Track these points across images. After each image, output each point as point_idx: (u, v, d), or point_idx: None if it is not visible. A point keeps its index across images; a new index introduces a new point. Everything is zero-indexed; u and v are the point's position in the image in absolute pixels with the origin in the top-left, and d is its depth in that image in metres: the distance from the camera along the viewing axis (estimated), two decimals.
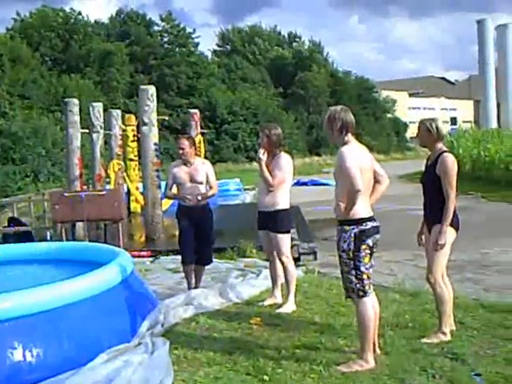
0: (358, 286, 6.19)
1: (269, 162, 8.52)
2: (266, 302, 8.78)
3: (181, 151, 9.23)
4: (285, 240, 8.56)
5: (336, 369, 6.10)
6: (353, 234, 6.13)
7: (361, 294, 6.20)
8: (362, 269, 6.16)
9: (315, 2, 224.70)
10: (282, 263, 8.64)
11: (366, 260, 6.18)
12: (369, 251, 6.20)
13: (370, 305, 6.26)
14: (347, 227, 6.15)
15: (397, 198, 23.53)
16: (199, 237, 9.39)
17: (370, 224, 6.19)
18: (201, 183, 9.27)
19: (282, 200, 8.51)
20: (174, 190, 9.49)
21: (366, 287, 6.20)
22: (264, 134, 8.55)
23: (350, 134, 6.33)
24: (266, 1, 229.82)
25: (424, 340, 6.86)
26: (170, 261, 12.32)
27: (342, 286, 6.39)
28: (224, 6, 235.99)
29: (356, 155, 6.17)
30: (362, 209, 6.16)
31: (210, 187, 9.38)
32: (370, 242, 6.18)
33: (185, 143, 9.25)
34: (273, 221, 8.48)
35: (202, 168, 9.33)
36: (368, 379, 5.88)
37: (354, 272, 6.17)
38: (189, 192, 9.20)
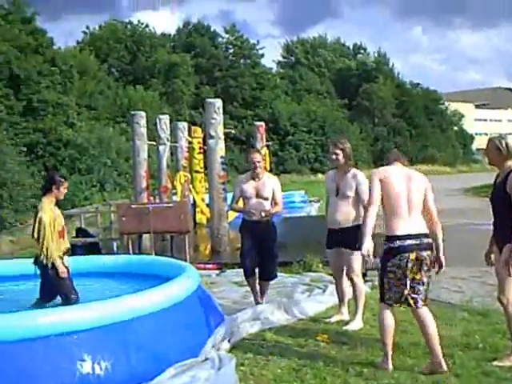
0: (380, 290, 6.78)
1: (340, 177, 8.44)
2: (333, 319, 8.71)
3: (256, 164, 9.20)
4: (358, 257, 8.44)
5: None
6: (384, 249, 6.66)
7: (380, 297, 6.77)
8: (385, 280, 6.63)
9: (378, 13, 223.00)
10: (352, 280, 8.55)
11: (390, 275, 6.57)
12: (396, 269, 6.53)
13: (386, 313, 6.71)
14: (384, 242, 6.68)
15: (463, 212, 23.23)
16: (262, 252, 9.36)
17: (398, 243, 6.53)
18: (266, 199, 9.24)
19: (358, 216, 8.28)
20: (241, 203, 9.51)
21: (385, 296, 6.64)
22: (338, 148, 8.43)
23: (395, 162, 6.95)
24: (329, 12, 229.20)
25: (496, 363, 6.67)
26: (235, 274, 12.26)
27: None
28: (287, 17, 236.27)
29: (387, 174, 6.77)
30: (396, 227, 6.60)
31: (276, 203, 9.34)
32: (396, 260, 6.52)
33: (258, 157, 9.25)
34: (348, 237, 8.28)
35: (269, 183, 9.29)
36: None
37: (379, 279, 6.85)
38: (254, 207, 9.19)
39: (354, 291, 8.57)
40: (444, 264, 6.77)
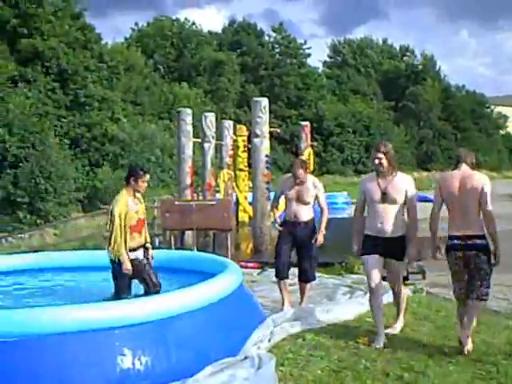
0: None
1: (385, 182, 7.82)
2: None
3: (297, 180, 9.20)
4: (405, 265, 8.38)
5: None
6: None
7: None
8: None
9: (423, 15, 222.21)
10: (395, 288, 8.40)
11: (451, 271, 7.54)
12: (451, 265, 7.47)
13: (458, 307, 7.63)
14: None
15: (508, 217, 22.87)
16: (300, 253, 9.42)
17: (449, 242, 7.36)
18: (308, 203, 9.31)
19: (404, 224, 7.97)
20: (282, 202, 9.54)
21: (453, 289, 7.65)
22: (380, 152, 7.80)
23: (461, 164, 7.43)
24: (374, 14, 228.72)
25: None
26: None
27: None
28: (331, 17, 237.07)
29: (443, 180, 7.62)
30: (450, 227, 7.39)
31: (321, 209, 9.44)
32: (449, 257, 7.41)
33: (301, 172, 9.19)
34: (396, 247, 7.84)
35: (313, 190, 9.31)
36: None
37: None
38: (294, 210, 9.28)
39: (398, 296, 8.43)
40: (499, 259, 7.20)
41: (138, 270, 8.15)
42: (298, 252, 9.42)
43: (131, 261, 8.07)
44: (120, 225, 7.93)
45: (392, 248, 7.79)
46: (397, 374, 6.56)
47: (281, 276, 9.44)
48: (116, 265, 8.08)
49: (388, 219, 7.72)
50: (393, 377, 6.49)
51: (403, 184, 7.84)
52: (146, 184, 8.37)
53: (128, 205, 8.11)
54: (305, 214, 9.33)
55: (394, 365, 6.87)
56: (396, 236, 7.76)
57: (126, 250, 8.03)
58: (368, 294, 8.73)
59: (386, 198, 7.73)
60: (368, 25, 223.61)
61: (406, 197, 7.81)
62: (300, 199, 9.23)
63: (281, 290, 9.50)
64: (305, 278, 9.50)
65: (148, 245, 8.56)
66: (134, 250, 8.18)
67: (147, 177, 8.36)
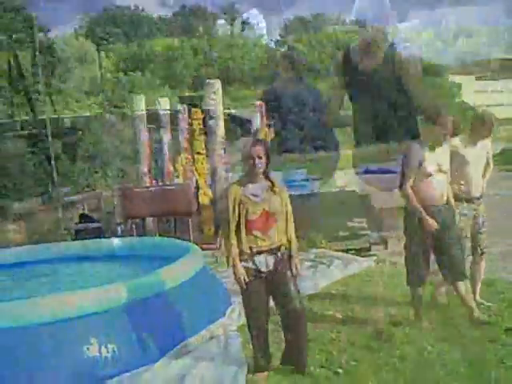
0: None
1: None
2: None
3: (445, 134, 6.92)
4: None
5: (411, 361, 6.02)
6: None
7: None
8: None
9: None
10: None
11: None
12: None
13: None
14: None
15: None
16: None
17: None
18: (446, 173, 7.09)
19: None
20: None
21: None
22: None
23: None
24: None
25: None
26: None
27: None
28: None
29: None
30: None
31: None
32: None
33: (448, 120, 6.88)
34: None
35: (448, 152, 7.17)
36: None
37: None
38: (439, 187, 6.96)
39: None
40: None
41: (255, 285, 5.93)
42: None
43: (246, 269, 5.88)
44: (230, 217, 5.87)
45: None
46: (363, 343, 6.63)
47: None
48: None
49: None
50: (359, 346, 6.56)
51: None
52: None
53: (243, 191, 5.95)
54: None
55: (360, 335, 6.93)
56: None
57: (236, 250, 5.86)
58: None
59: None
60: None
61: None
62: (442, 170, 6.96)
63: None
64: None
65: (287, 250, 6.16)
66: (253, 253, 5.91)
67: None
